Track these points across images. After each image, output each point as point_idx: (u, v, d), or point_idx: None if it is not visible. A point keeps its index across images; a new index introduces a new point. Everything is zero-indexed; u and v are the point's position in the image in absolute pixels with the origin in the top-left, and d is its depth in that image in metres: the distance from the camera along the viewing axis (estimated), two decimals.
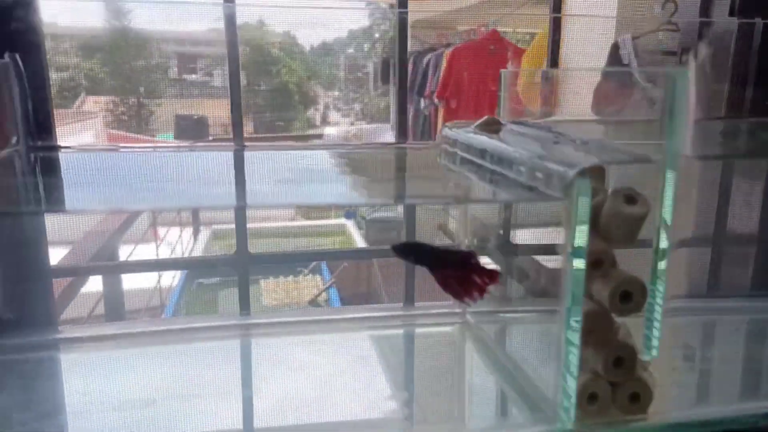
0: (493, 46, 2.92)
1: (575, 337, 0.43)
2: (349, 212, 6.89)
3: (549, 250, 0.51)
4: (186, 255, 4.92)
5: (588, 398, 0.45)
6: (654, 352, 0.45)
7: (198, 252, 5.30)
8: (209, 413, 0.51)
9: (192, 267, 1.07)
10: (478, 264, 0.49)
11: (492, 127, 0.63)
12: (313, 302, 3.94)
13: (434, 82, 2.84)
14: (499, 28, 3.11)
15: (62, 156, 0.61)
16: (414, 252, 0.52)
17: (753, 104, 0.87)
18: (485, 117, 0.66)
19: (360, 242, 5.69)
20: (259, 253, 0.99)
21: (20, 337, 0.59)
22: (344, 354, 0.64)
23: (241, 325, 0.69)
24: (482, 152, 0.54)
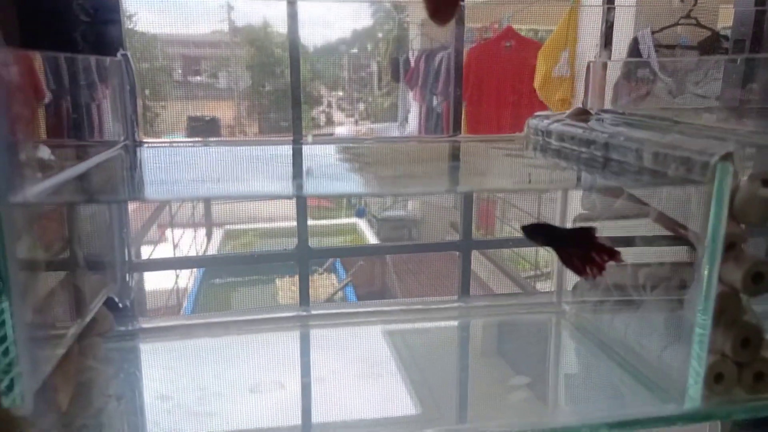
0: (509, 43, 2.93)
1: (707, 319, 0.44)
2: (360, 210, 6.90)
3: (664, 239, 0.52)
4: (201, 254, 4.95)
5: (715, 378, 0.47)
6: None
7: (212, 252, 5.33)
8: (336, 396, 0.52)
9: (255, 262, 1.09)
10: (598, 243, 0.50)
11: (582, 117, 0.65)
12: (330, 300, 3.96)
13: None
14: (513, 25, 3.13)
15: (157, 151, 0.63)
16: (542, 232, 0.53)
17: None
18: (575, 107, 0.67)
19: (372, 241, 5.70)
20: (319, 247, 1.01)
21: (129, 324, 0.61)
22: (461, 341, 0.66)
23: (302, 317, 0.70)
24: (586, 141, 0.55)
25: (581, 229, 0.53)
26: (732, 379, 0.47)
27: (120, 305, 0.60)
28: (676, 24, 2.44)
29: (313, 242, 1.00)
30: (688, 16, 2.38)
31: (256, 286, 5.24)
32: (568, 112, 0.66)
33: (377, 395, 0.53)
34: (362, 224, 6.92)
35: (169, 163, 0.58)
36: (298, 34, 0.83)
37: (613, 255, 0.50)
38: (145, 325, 0.62)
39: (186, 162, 0.58)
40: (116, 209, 0.60)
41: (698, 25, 2.36)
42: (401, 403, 0.52)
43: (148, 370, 0.56)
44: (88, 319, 0.50)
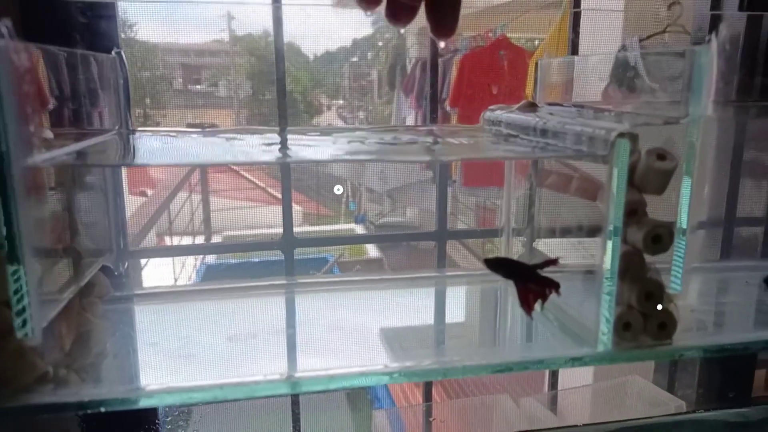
0: (503, 51, 3.00)
1: (614, 275, 0.52)
2: (359, 217, 6.96)
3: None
4: (198, 263, 5.03)
5: (623, 327, 0.54)
6: (678, 288, 0.54)
7: (211, 259, 5.40)
8: (298, 342, 0.60)
9: (242, 249, 1.17)
10: (549, 279, 0.57)
11: (531, 109, 0.72)
12: None
13: (444, 89, 2.88)
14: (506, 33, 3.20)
15: (148, 137, 0.70)
16: (504, 267, 0.60)
17: (762, 90, 0.97)
18: (524, 101, 0.75)
19: (370, 246, 5.76)
20: (303, 234, 1.10)
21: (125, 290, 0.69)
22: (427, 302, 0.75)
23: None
24: (528, 128, 0.63)
25: (541, 263, 0.59)
26: (638, 328, 0.55)
27: (116, 273, 0.68)
28: (663, 31, 2.51)
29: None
30: (675, 24, 2.45)
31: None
32: (518, 105, 0.74)
33: (349, 340, 0.62)
34: (360, 230, 7.00)
35: (159, 145, 0.65)
36: (282, 38, 0.91)
37: (557, 288, 0.57)
38: (138, 291, 0.70)
39: (175, 145, 0.66)
40: (112, 189, 0.68)
41: (685, 32, 2.44)
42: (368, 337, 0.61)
43: (140, 325, 0.65)
44: (86, 279, 0.58)
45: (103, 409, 0.47)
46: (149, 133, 0.71)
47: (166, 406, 0.94)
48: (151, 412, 0.90)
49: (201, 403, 0.48)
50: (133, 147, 0.63)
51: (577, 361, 0.54)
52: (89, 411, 0.47)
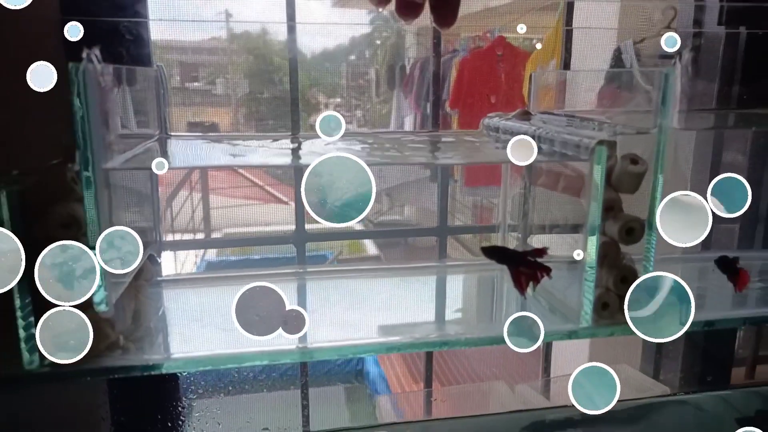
0: (501, 52, 3.07)
1: (593, 262, 0.61)
2: None
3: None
4: (198, 260, 5.08)
5: (602, 306, 0.64)
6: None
7: (211, 256, 5.46)
8: (318, 320, 0.69)
9: (258, 243, 1.27)
10: (540, 264, 0.65)
11: (525, 117, 0.81)
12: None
13: (444, 90, 2.92)
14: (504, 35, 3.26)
15: (184, 141, 0.79)
16: (499, 254, 0.69)
17: (739, 99, 1.07)
18: (519, 109, 0.84)
19: (369, 245, 5.81)
20: (314, 230, 1.19)
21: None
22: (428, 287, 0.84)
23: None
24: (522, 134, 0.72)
25: (530, 252, 0.68)
26: (615, 307, 0.64)
27: (158, 260, 0.78)
28: (657, 35, 2.59)
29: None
30: (668, 27, 2.54)
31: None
32: (513, 113, 0.83)
33: (362, 318, 0.71)
34: (359, 228, 7.07)
35: (199, 149, 0.75)
36: (296, 53, 1.00)
37: (549, 272, 0.66)
38: (170, 277, 0.80)
39: (207, 148, 0.75)
40: (155, 189, 0.77)
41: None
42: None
43: (177, 305, 0.75)
44: (140, 265, 0.67)
45: (164, 371, 0.56)
46: (183, 138, 0.80)
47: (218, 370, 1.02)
48: (173, 391, 0.98)
49: (247, 366, 0.57)
50: (176, 150, 0.72)
51: (564, 335, 0.63)
52: (152, 373, 0.56)
